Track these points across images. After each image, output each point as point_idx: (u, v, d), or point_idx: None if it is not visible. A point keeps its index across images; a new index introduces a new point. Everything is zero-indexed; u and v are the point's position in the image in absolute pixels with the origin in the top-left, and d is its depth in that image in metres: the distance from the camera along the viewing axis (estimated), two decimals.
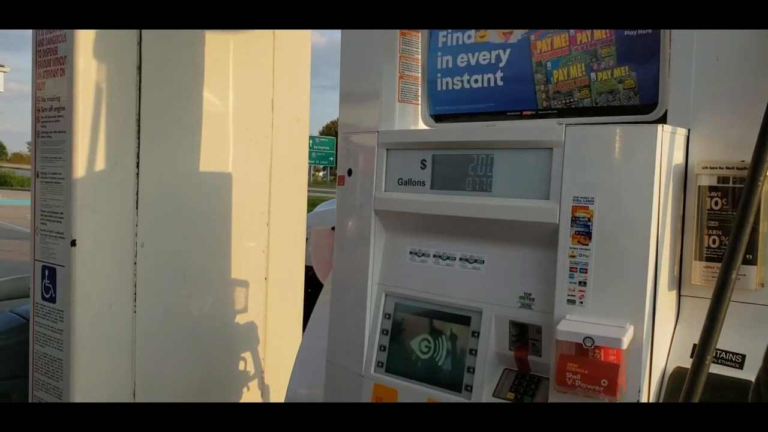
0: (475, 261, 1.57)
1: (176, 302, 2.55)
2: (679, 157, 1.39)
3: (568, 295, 1.36)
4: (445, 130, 1.61)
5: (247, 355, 2.82)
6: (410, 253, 1.68)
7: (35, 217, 2.39)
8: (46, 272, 2.34)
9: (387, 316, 1.69)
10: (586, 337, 1.27)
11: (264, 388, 2.91)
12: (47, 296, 2.34)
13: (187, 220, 2.55)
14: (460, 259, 1.59)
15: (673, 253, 1.40)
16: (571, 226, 1.36)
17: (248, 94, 2.73)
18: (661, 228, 1.33)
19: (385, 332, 1.69)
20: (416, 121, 1.93)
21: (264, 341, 2.87)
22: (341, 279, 1.80)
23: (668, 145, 1.34)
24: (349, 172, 1.77)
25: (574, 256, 1.36)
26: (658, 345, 1.34)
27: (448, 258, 1.61)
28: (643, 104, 1.48)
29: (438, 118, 1.82)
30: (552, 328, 1.36)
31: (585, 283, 1.35)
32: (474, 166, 1.54)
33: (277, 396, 2.85)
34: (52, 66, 2.28)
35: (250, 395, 2.84)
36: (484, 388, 1.49)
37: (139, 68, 2.37)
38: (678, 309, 1.42)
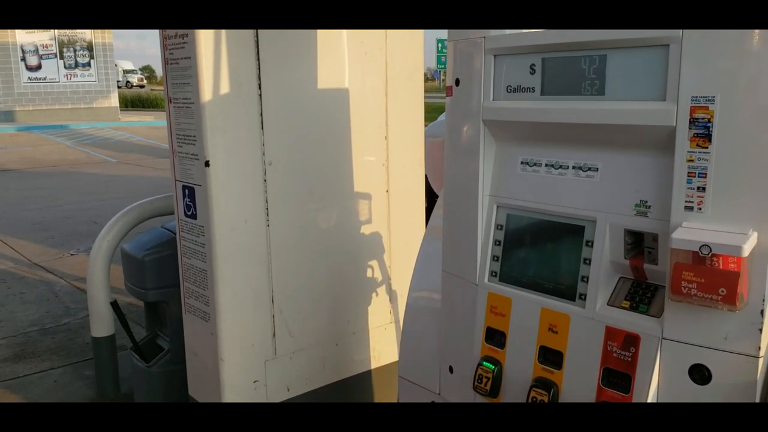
0: (589, 169, 1.52)
1: (305, 216, 2.69)
2: None
3: (686, 201, 1.30)
4: (554, 32, 1.53)
5: (374, 263, 2.94)
6: (521, 163, 1.66)
7: (172, 140, 2.58)
8: (186, 191, 2.54)
9: (499, 227, 1.70)
10: (703, 245, 1.22)
11: (392, 294, 3.04)
12: (189, 213, 2.55)
13: (308, 138, 2.65)
14: (573, 167, 1.55)
15: None
16: (689, 128, 1.28)
17: None
18: None
19: (497, 243, 1.70)
20: None
21: (389, 250, 2.98)
22: (452, 191, 1.82)
23: None
24: (457, 82, 1.74)
25: (692, 161, 1.28)
26: None
27: (560, 167, 1.58)
28: None
29: None
30: (669, 236, 1.31)
31: (704, 189, 1.27)
32: (585, 68, 1.47)
33: (405, 300, 2.97)
34: None
35: (379, 300, 2.99)
36: (598, 296, 1.48)
37: None
38: None
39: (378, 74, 2.83)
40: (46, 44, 21.94)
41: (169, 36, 2.46)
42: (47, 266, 6.27)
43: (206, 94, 2.36)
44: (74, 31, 22.33)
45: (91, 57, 22.96)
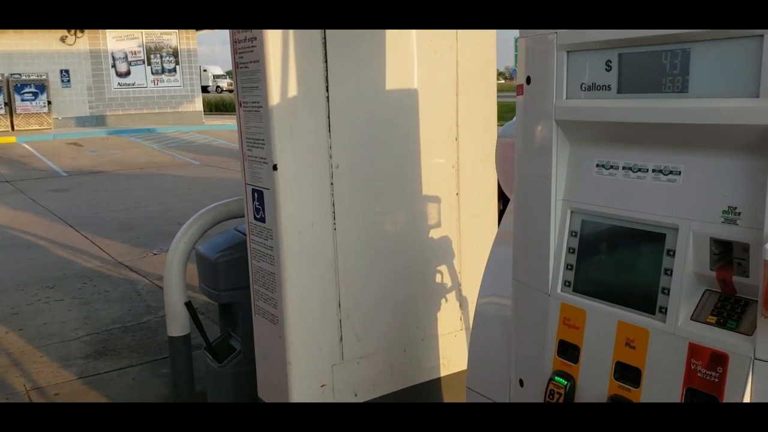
0: (671, 172, 1.40)
1: (372, 219, 2.66)
2: None
3: None
4: None
5: (443, 268, 2.87)
6: (597, 165, 1.55)
7: (242, 144, 2.59)
8: (255, 195, 2.55)
9: (573, 234, 1.60)
10: None
11: (462, 300, 2.96)
12: (258, 217, 2.56)
13: (376, 140, 2.61)
14: (654, 170, 1.43)
15: None
16: None
17: None
18: None
19: (571, 251, 1.60)
20: None
21: (459, 255, 2.91)
22: (523, 196, 1.73)
23: None
24: (528, 80, 1.66)
25: None
26: None
27: (639, 170, 1.46)
28: None
29: None
30: (762, 246, 1.19)
31: None
32: (667, 63, 1.35)
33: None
34: None
35: (449, 306, 2.92)
36: (680, 310, 1.36)
37: None
38: None
39: (448, 73, 2.76)
40: (135, 51, 22.95)
41: (238, 40, 2.48)
42: (131, 265, 6.53)
43: (274, 97, 2.36)
44: (160, 37, 23.26)
45: (177, 63, 23.84)
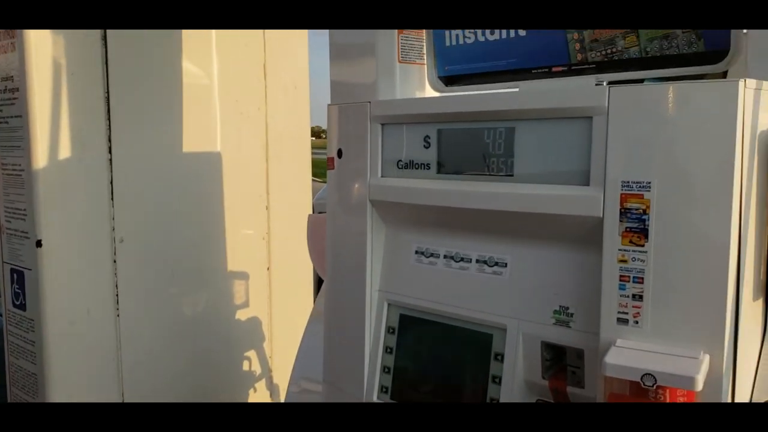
0: (496, 264, 1.24)
1: (166, 302, 2.28)
2: (766, 122, 1.03)
3: (619, 312, 1.03)
4: (451, 98, 1.27)
5: (252, 353, 2.55)
6: (416, 252, 1.36)
7: (0, 214, 2.12)
8: (15, 276, 2.08)
9: (390, 331, 1.38)
10: (646, 374, 0.94)
11: (273, 389, 2.65)
12: (18, 303, 2.08)
13: (172, 210, 2.26)
14: (477, 261, 1.26)
15: (759, 250, 1.05)
16: (621, 220, 1.02)
17: (235, 61, 2.40)
18: (744, 219, 0.98)
19: (388, 350, 1.38)
20: (423, 85, 1.59)
21: (270, 337, 2.60)
22: (335, 284, 1.49)
23: (752, 106, 0.98)
24: (339, 154, 1.44)
25: (625, 261, 1.02)
26: (741, 376, 1.01)
27: (461, 259, 1.29)
28: (710, 50, 1.12)
29: (449, 80, 1.47)
30: (597, 353, 1.04)
31: (641, 297, 1.01)
32: (489, 142, 1.20)
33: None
34: (1, 40, 1.98)
35: (258, 397, 2.58)
36: None
37: (104, 38, 2.05)
38: (765, 325, 1.08)
39: (257, 137, 2.50)
40: None
41: None
42: None
43: (40, 159, 1.94)
44: None
45: None
